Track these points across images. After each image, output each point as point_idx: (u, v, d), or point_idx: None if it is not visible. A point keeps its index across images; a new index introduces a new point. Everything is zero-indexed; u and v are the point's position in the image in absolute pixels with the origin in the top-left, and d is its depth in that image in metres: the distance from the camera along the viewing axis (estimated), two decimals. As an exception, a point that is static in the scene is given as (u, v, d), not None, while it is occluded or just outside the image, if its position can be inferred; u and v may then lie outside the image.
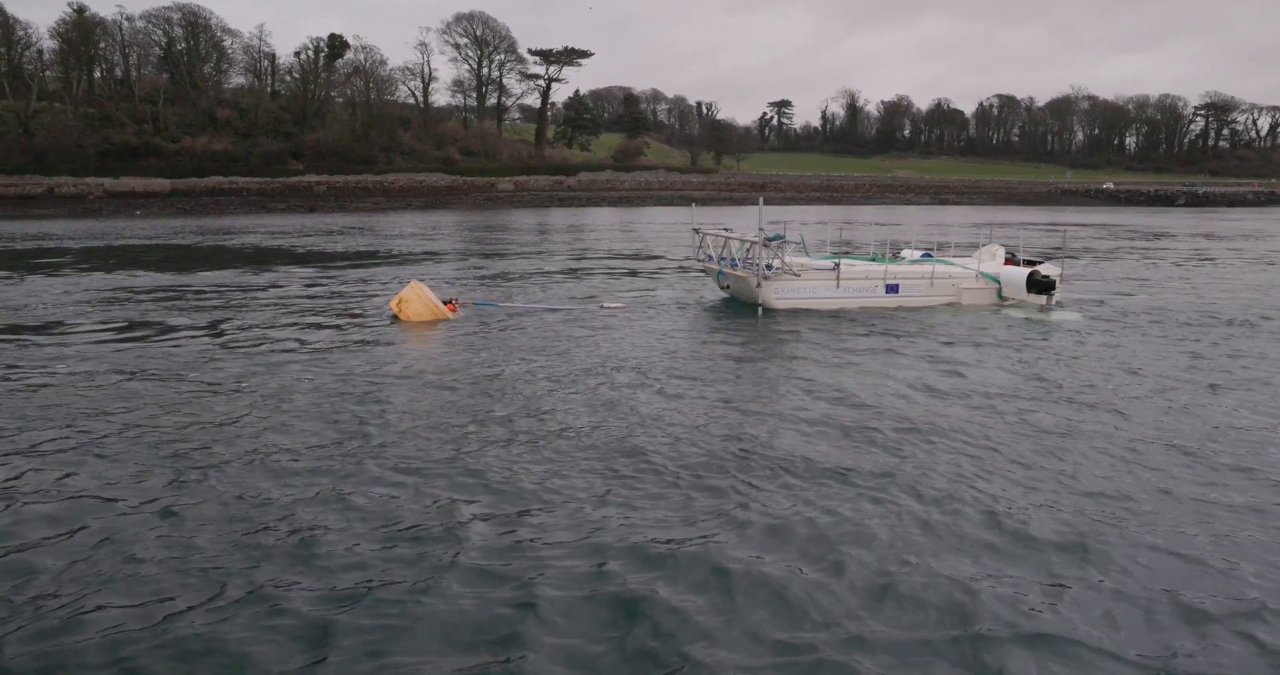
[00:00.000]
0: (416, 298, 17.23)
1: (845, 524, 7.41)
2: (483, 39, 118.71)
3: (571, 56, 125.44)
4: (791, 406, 11.10)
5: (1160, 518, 7.66)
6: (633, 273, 27.59)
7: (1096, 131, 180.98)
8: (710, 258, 20.24)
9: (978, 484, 8.40)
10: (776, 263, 18.16)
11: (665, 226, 59.44)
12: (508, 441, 9.55)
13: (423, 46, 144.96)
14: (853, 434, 9.91)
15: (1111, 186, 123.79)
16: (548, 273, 27.38)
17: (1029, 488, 8.33)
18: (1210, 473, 8.81)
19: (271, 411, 10.65)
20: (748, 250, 18.57)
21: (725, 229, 20.76)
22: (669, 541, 7.03)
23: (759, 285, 17.98)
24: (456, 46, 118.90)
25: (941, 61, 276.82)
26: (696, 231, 20.97)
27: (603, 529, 7.28)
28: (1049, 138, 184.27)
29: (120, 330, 16.44)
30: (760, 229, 17.99)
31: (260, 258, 33.12)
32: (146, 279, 25.39)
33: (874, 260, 20.15)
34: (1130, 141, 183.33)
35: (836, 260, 19.08)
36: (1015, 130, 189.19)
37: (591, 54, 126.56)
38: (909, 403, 11.29)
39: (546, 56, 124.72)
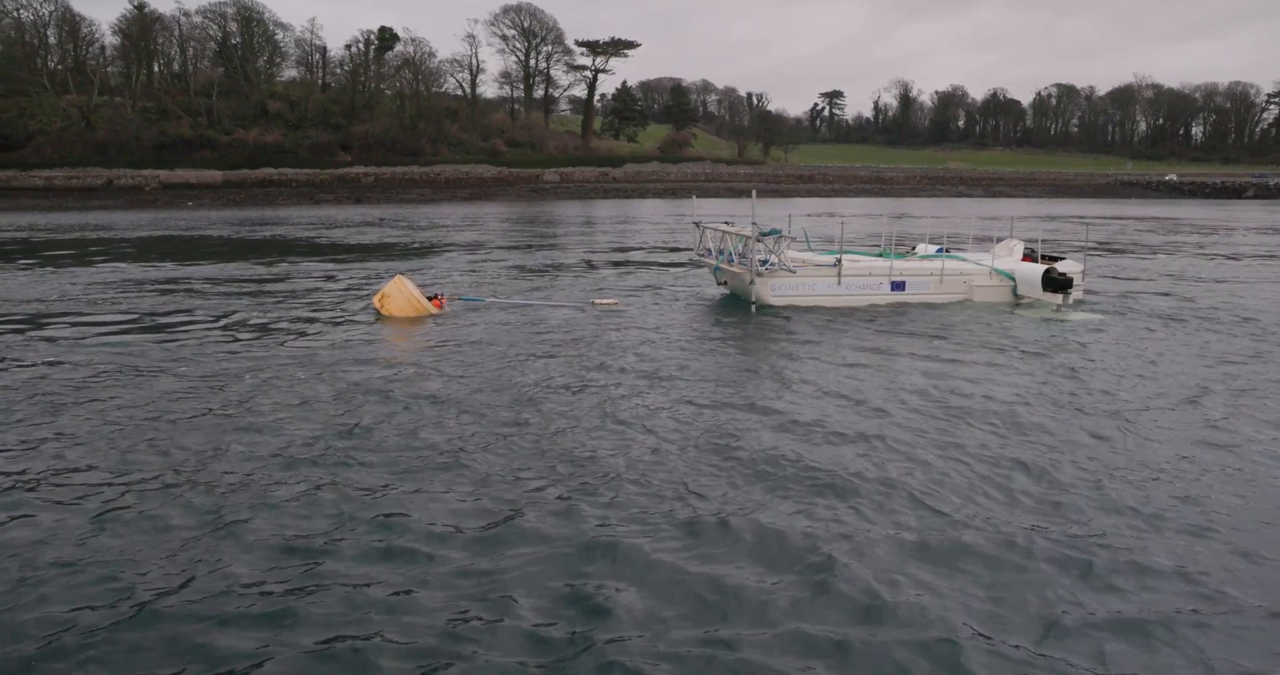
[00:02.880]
0: (399, 293, 16.81)
1: (833, 540, 7.02)
2: (530, 30, 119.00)
3: (618, 47, 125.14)
4: (765, 413, 10.69)
5: (1186, 551, 7.13)
6: (643, 266, 27.04)
7: (1161, 121, 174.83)
8: (710, 253, 19.53)
9: (954, 498, 7.96)
10: (773, 258, 17.41)
11: (702, 218, 58.72)
12: (462, 441, 9.34)
13: (470, 38, 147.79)
14: (834, 441, 9.51)
15: (1174, 178, 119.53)
16: (563, 266, 27.04)
17: (1011, 506, 7.87)
18: (1236, 497, 8.16)
19: (207, 410, 10.43)
20: (744, 245, 17.82)
21: (726, 222, 20.02)
22: (647, 545, 6.76)
23: (752, 282, 17.33)
24: (504, 38, 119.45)
25: (997, 51, 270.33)
26: (697, 225, 20.25)
27: (580, 533, 7.05)
28: (1110, 128, 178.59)
29: (111, 323, 16.49)
30: (753, 223, 17.31)
31: (282, 249, 33.35)
32: (163, 271, 25.60)
33: (881, 256, 19.27)
34: (1197, 131, 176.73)
35: (838, 255, 18.30)
36: (1074, 121, 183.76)
37: (638, 45, 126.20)
38: (888, 410, 10.73)
39: (593, 47, 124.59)
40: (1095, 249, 34.32)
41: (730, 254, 18.34)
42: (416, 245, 35.31)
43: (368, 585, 6.14)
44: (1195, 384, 11.99)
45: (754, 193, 18.74)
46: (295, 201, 79.21)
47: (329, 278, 23.92)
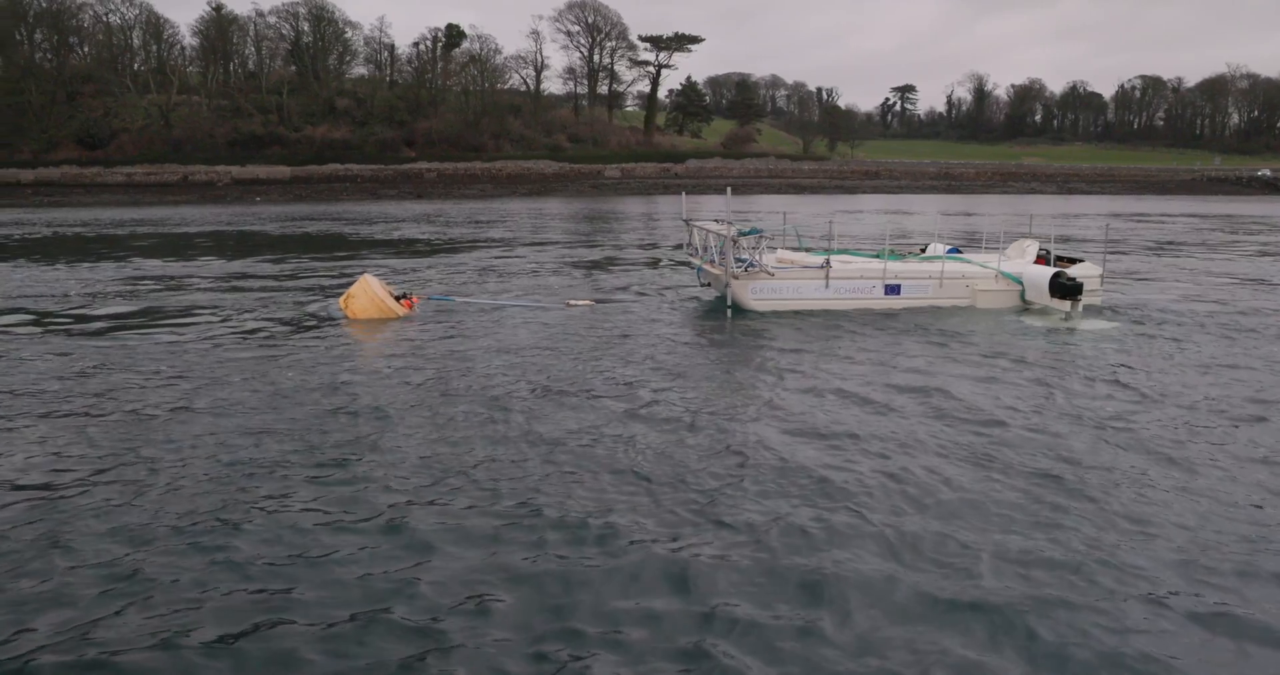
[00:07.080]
0: (364, 293, 16.35)
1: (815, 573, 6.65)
2: (594, 26, 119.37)
3: (682, 42, 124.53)
4: (720, 429, 10.25)
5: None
6: (652, 264, 26.34)
7: (1255, 113, 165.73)
8: (697, 252, 18.62)
9: (917, 526, 7.48)
10: (753, 259, 16.59)
11: (753, 215, 57.95)
12: (398, 451, 9.17)
13: (535, 35, 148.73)
14: (797, 454, 9.06)
15: (1268, 173, 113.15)
16: (571, 263, 26.51)
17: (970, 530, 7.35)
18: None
19: (118, 413, 10.30)
20: (721, 244, 16.91)
21: (717, 220, 19.02)
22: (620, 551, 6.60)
23: (727, 284, 16.56)
24: (568, 34, 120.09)
25: (1079, 42, 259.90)
26: (687, 223, 19.41)
27: (535, 541, 6.86)
28: (1198, 121, 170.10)
29: (101, 318, 16.63)
30: (729, 222, 16.52)
31: (304, 246, 33.48)
32: (170, 268, 25.71)
33: (877, 257, 18.24)
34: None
35: (826, 256, 17.43)
36: (1160, 114, 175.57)
37: (702, 39, 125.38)
38: (856, 428, 10.10)
39: (657, 42, 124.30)
40: (1153, 249, 32.61)
41: (713, 254, 17.56)
42: (443, 241, 35.32)
43: (305, 588, 6.02)
44: (1198, 404, 10.97)
45: (729, 190, 17.90)
46: (358, 197, 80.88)
47: (331, 275, 23.56)
